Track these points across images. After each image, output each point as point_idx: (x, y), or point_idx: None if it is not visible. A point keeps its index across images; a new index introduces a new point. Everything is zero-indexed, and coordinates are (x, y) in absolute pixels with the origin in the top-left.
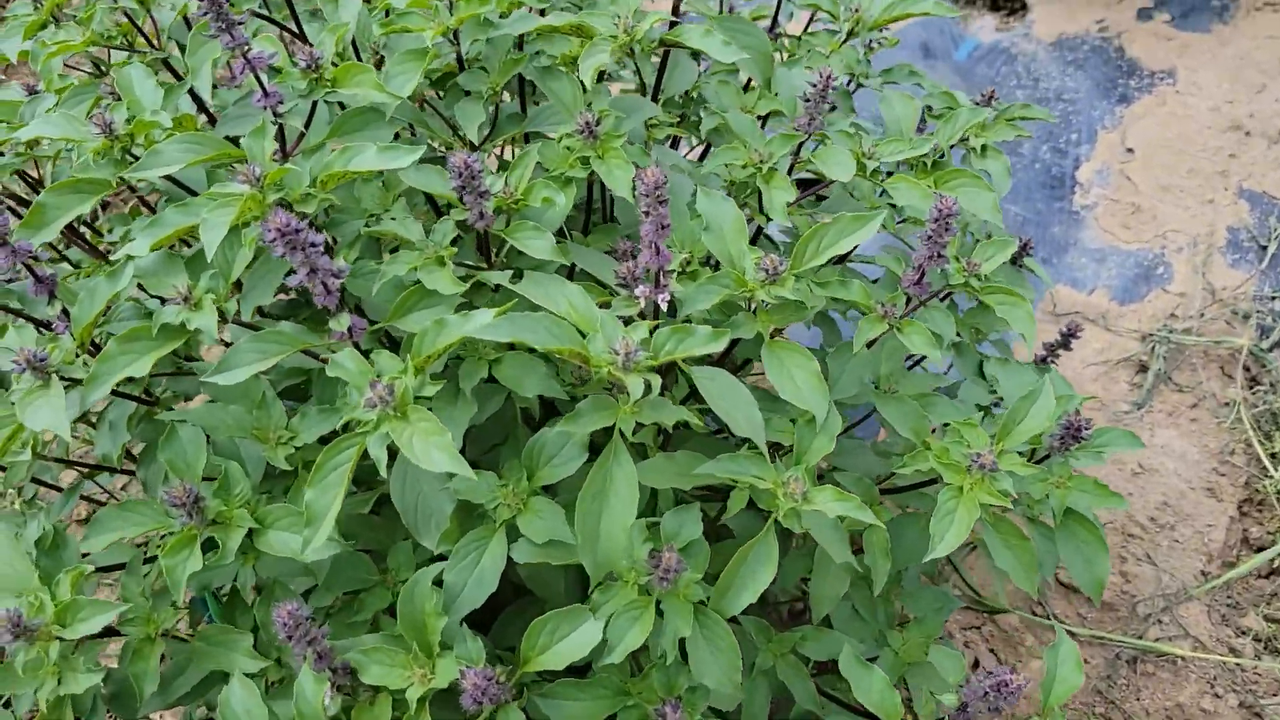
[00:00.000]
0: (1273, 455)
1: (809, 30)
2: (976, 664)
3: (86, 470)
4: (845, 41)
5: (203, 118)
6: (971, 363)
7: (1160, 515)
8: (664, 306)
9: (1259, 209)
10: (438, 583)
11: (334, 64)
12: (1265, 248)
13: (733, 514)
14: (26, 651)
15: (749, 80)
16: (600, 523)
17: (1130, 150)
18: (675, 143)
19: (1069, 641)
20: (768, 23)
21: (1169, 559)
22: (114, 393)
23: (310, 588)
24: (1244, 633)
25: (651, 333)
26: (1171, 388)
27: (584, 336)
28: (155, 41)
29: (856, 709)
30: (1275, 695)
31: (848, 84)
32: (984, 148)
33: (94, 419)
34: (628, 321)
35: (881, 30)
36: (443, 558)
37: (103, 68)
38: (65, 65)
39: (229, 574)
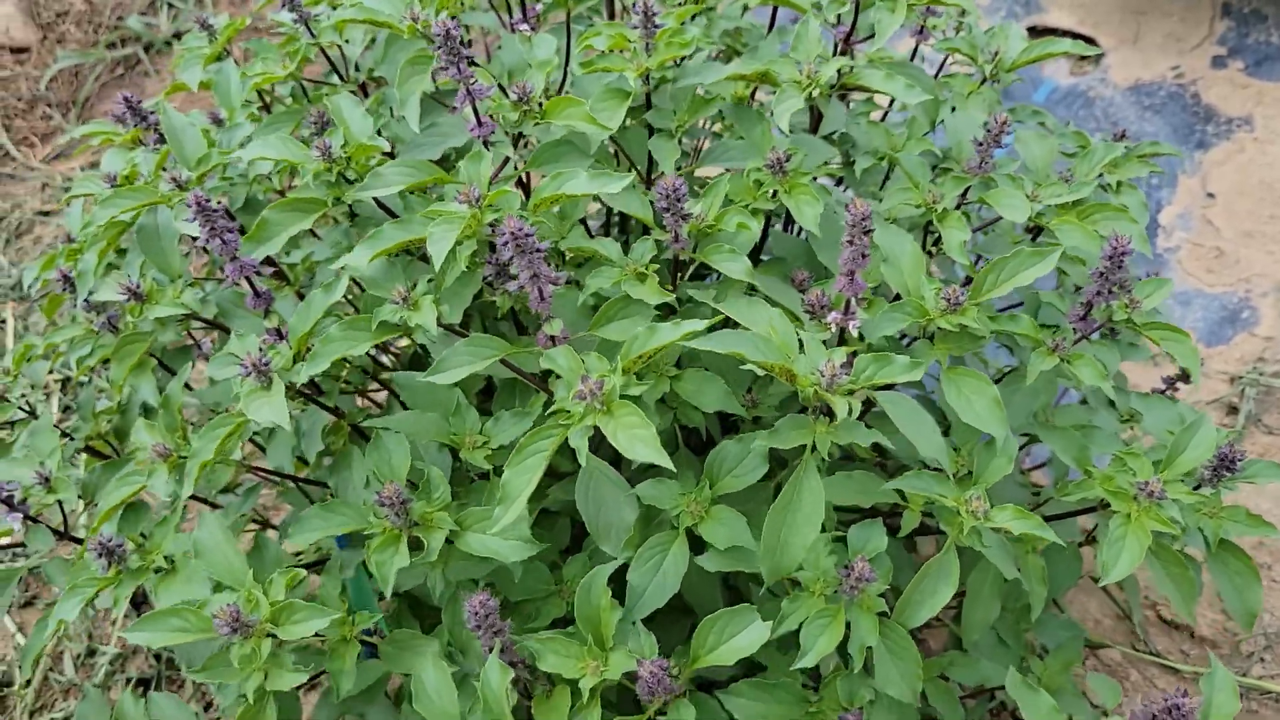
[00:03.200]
0: None
1: (945, 74)
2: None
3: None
4: (982, 84)
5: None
6: (1103, 394)
7: (1257, 555)
8: (854, 333)
9: None
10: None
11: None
12: None
13: (906, 531)
14: (241, 646)
15: (882, 118)
16: (782, 533)
17: (1211, 195)
18: None
19: (1224, 669)
20: None
21: (1268, 599)
22: (310, 399)
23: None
24: None
25: (849, 358)
26: (1261, 430)
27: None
28: (344, 73)
29: None
30: None
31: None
32: (1119, 184)
33: (262, 436)
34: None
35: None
36: (623, 566)
37: (266, 98)
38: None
39: (419, 575)
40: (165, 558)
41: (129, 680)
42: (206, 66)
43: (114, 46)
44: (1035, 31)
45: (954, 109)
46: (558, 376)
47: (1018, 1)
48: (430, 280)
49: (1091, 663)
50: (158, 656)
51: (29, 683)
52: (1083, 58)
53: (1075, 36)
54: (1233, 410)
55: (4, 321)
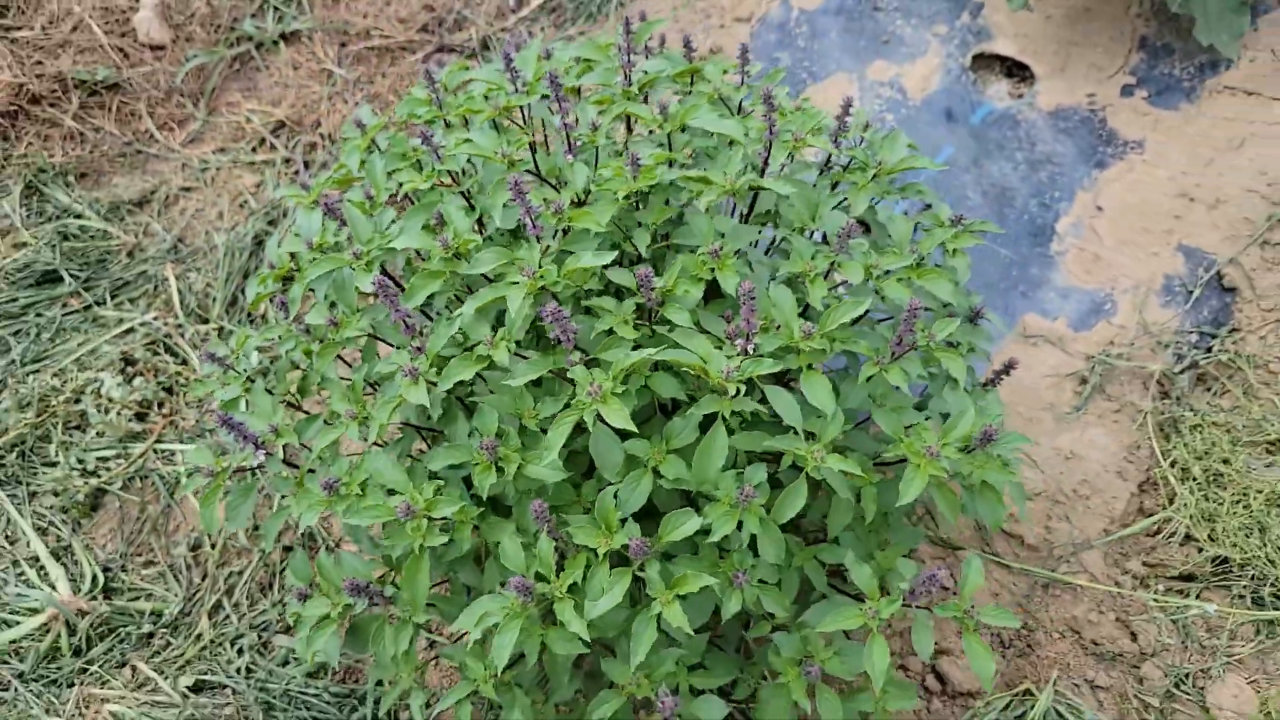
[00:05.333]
0: (1164, 451)
1: (849, 168)
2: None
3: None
4: (872, 180)
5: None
6: (939, 388)
7: (1080, 489)
8: (751, 351)
9: (1191, 262)
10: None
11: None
12: (1191, 293)
13: (783, 469)
14: (412, 522)
15: None
16: (705, 463)
17: (1100, 209)
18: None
19: (977, 558)
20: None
21: (1082, 520)
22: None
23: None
24: (1126, 572)
25: (741, 363)
26: (1103, 397)
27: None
28: (454, 178)
29: (848, 592)
30: (1140, 614)
31: (874, 201)
32: (954, 251)
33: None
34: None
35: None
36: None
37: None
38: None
39: (501, 486)
40: (361, 486)
41: (284, 548)
42: (361, 152)
43: (232, 45)
44: (983, 58)
45: (846, 199)
46: (573, 381)
47: (970, 31)
48: (505, 330)
49: (950, 560)
50: (300, 534)
51: (214, 545)
52: (1021, 80)
53: (1015, 63)
54: (1084, 381)
55: (168, 280)
